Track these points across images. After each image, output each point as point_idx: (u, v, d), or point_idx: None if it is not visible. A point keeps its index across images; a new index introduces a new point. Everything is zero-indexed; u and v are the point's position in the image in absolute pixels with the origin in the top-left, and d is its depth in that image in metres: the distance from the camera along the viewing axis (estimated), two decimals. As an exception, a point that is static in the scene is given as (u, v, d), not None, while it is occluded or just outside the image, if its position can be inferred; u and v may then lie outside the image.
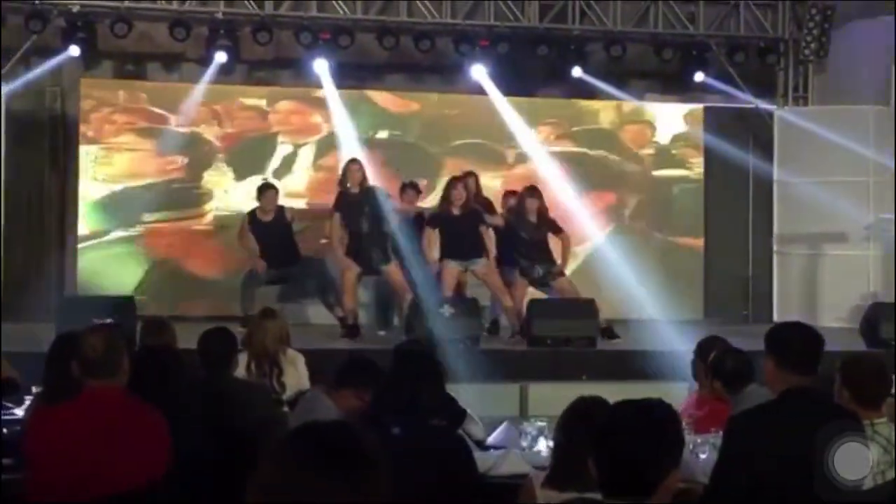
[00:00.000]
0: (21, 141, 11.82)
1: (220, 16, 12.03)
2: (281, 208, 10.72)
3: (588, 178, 12.77)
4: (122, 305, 9.25)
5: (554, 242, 10.51)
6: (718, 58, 12.94)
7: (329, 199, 10.61)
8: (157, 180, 12.32)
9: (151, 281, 12.18)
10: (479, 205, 10.61)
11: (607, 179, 13.21)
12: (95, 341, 4.03)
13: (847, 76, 12.88)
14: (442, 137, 12.92)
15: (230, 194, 12.41)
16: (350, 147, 11.92)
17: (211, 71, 11.95)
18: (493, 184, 12.27)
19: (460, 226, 10.15)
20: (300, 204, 12.12)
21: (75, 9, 11.60)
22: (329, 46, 12.00)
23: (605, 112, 13.38)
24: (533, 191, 10.53)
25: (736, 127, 13.36)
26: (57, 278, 12.06)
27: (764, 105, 13.18)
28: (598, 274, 11.51)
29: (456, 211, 10.20)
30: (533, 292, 10.45)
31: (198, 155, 12.46)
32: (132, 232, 12.25)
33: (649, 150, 13.40)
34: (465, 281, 10.65)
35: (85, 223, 12.14)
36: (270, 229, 10.60)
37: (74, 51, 11.61)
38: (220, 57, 11.86)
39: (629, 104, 13.27)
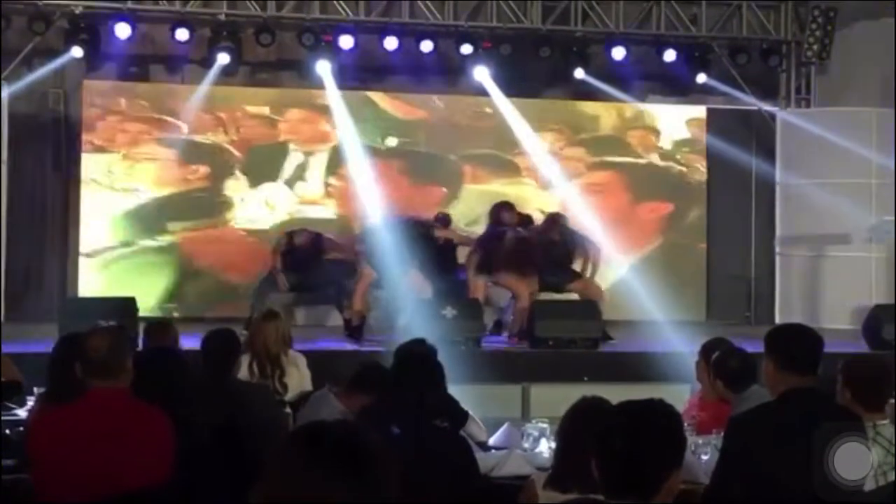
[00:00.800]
0: (23, 142, 11.83)
1: (222, 17, 12.03)
2: (316, 238, 10.75)
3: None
4: (124, 307, 9.23)
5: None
6: (721, 59, 12.93)
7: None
8: (179, 189, 12.28)
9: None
10: (522, 226, 10.72)
11: (656, 188, 13.21)
12: (99, 342, 4.04)
13: (849, 78, 12.88)
14: (453, 145, 12.87)
15: (246, 202, 12.42)
16: (356, 155, 11.97)
17: (213, 72, 11.96)
18: (503, 190, 12.37)
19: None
20: (324, 213, 12.39)
21: (78, 10, 11.61)
22: (331, 48, 12.00)
23: (606, 117, 13.34)
24: (555, 219, 10.78)
25: (738, 129, 13.35)
26: (59, 280, 12.05)
27: (766, 107, 13.18)
28: (601, 276, 11.50)
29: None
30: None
31: (216, 163, 12.38)
32: (159, 241, 12.20)
33: (654, 155, 13.37)
34: None
35: (112, 233, 12.11)
36: (300, 254, 10.62)
37: (77, 52, 11.60)
38: (223, 58, 11.85)
39: (629, 107, 13.24)
